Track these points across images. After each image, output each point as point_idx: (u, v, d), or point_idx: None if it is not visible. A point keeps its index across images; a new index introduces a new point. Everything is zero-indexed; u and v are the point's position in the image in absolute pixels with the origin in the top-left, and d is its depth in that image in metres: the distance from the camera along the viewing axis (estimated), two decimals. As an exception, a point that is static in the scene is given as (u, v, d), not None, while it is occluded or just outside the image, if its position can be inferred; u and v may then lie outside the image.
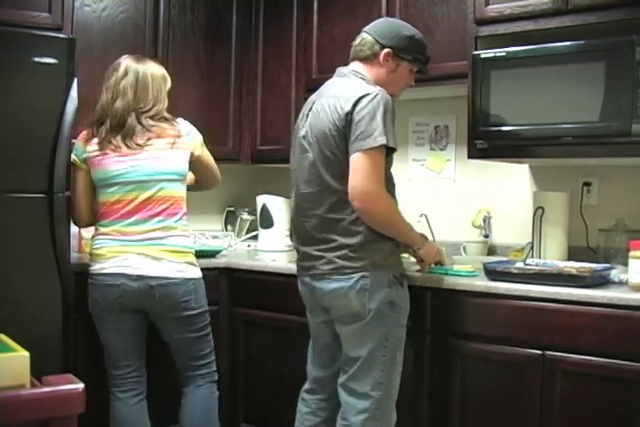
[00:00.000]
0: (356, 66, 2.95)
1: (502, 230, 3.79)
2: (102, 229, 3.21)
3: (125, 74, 3.21)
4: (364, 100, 2.72)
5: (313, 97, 2.98)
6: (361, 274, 2.77)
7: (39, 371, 1.81)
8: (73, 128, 3.24)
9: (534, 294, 2.80)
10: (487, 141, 3.23)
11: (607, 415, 2.64)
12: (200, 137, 3.34)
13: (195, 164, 3.32)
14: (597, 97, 2.89)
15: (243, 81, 4.39)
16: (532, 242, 3.37)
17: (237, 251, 4.30)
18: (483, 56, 3.19)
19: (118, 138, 3.16)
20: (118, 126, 3.16)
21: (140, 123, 3.17)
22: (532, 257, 3.29)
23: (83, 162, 3.24)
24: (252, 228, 4.54)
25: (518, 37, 3.16)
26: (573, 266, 2.93)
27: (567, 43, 2.97)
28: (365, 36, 2.94)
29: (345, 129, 2.74)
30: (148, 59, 3.35)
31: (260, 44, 4.35)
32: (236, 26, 4.36)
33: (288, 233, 4.32)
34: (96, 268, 3.19)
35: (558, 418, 2.74)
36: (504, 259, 3.41)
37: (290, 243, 4.26)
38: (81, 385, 1.74)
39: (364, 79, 2.88)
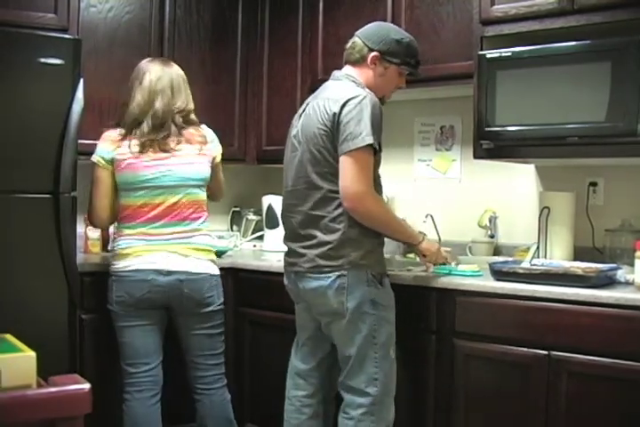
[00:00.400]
0: (348, 69, 3.02)
1: (508, 230, 3.79)
2: (127, 231, 3.25)
3: (159, 76, 3.27)
4: (352, 103, 2.79)
5: (309, 99, 3.05)
6: (338, 273, 2.83)
7: (45, 371, 1.82)
8: (79, 128, 3.25)
9: (540, 295, 2.80)
10: (493, 142, 3.23)
11: (613, 416, 2.64)
12: (219, 146, 3.44)
13: (213, 170, 3.39)
14: (603, 97, 2.89)
15: (248, 82, 4.39)
16: (538, 242, 3.37)
17: (243, 251, 4.30)
18: (488, 56, 3.18)
19: (156, 140, 3.22)
20: (159, 127, 3.22)
21: (175, 124, 3.25)
22: (538, 257, 3.29)
23: (108, 163, 3.25)
24: (258, 228, 4.54)
25: (524, 37, 3.16)
26: (579, 266, 2.93)
27: (573, 43, 2.97)
28: (356, 40, 3.01)
29: (332, 129, 2.82)
30: (170, 60, 3.44)
31: (266, 44, 4.35)
32: (242, 27, 4.36)
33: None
34: (121, 265, 3.22)
35: (564, 418, 2.74)
36: (510, 259, 3.40)
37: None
38: (87, 385, 1.75)
39: (355, 82, 2.94)
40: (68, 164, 3.22)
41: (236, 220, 4.74)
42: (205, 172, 3.32)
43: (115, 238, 3.32)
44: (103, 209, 3.30)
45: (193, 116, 3.34)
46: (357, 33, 3.03)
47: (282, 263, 3.54)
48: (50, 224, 3.22)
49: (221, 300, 3.32)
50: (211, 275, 3.27)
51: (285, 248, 3.07)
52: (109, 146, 3.26)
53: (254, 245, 4.44)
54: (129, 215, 3.25)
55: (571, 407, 2.72)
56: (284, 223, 3.08)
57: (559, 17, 3.03)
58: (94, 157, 3.26)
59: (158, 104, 3.23)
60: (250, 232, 4.59)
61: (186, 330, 3.30)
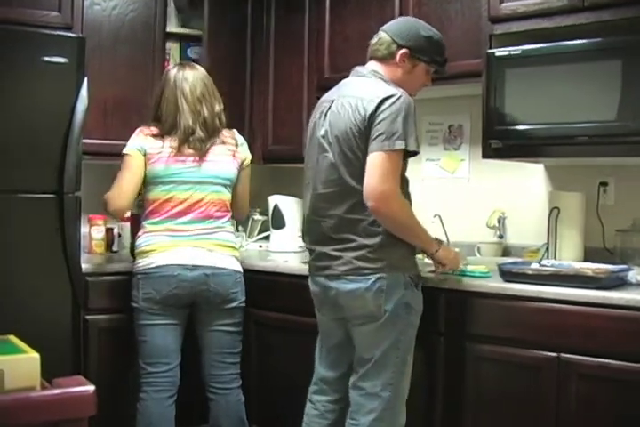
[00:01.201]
0: (373, 65, 2.95)
1: (517, 231, 3.78)
2: (151, 228, 3.30)
3: (195, 82, 3.33)
4: (388, 102, 2.73)
5: (330, 96, 2.98)
6: (378, 275, 2.78)
7: (49, 373, 1.82)
8: (83, 128, 3.26)
9: (549, 296, 2.79)
10: (502, 141, 3.22)
11: (625, 419, 2.63)
12: (249, 152, 3.51)
13: (239, 175, 3.44)
14: (614, 96, 2.88)
15: (254, 80, 4.39)
16: (548, 243, 3.36)
17: (249, 251, 4.30)
18: (497, 54, 3.18)
19: (193, 139, 3.28)
20: (211, 133, 3.31)
21: (212, 129, 3.33)
22: (548, 258, 3.28)
23: (141, 153, 3.30)
24: (264, 228, 4.53)
25: (533, 35, 3.15)
26: (589, 267, 2.92)
27: (583, 40, 2.96)
28: (383, 36, 2.93)
29: (366, 130, 2.75)
30: (190, 63, 3.51)
31: (272, 43, 4.34)
32: (250, 22, 4.35)
33: (300, 234, 4.34)
34: (147, 262, 3.26)
35: (574, 421, 2.73)
36: (519, 260, 3.39)
37: (302, 244, 4.27)
38: (92, 387, 1.75)
39: (383, 79, 2.88)
40: (72, 163, 3.23)
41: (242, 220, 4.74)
42: (231, 172, 3.38)
43: (139, 236, 3.34)
44: (126, 194, 3.31)
45: (223, 118, 3.41)
46: (384, 28, 2.96)
47: (288, 264, 3.56)
48: (54, 224, 3.23)
49: (244, 297, 3.39)
50: (235, 271, 3.34)
51: (308, 252, 3.03)
52: (143, 139, 3.31)
53: (260, 246, 4.44)
54: (154, 210, 3.30)
55: (581, 410, 2.71)
56: (309, 227, 3.01)
57: (569, 14, 3.03)
58: (127, 150, 3.30)
59: (206, 112, 3.31)
60: (256, 233, 4.58)
61: (206, 326, 3.36)
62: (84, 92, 3.27)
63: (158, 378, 3.28)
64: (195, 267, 3.24)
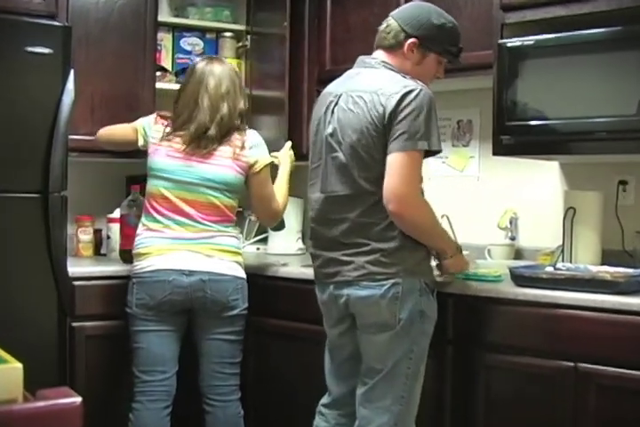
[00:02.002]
0: (381, 55, 2.88)
1: (530, 232, 3.77)
2: (150, 225, 3.31)
3: (222, 77, 3.34)
4: (408, 98, 2.67)
5: (335, 89, 2.90)
6: (393, 281, 2.74)
7: (33, 384, 1.80)
8: (69, 123, 3.24)
9: (565, 302, 2.78)
10: (514, 137, 3.22)
11: (645, 432, 2.62)
12: (264, 155, 3.41)
13: (249, 180, 3.39)
14: (634, 88, 2.87)
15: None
16: (563, 245, 3.35)
17: (246, 254, 4.27)
18: (509, 45, 3.17)
19: (204, 137, 3.29)
20: (225, 134, 3.31)
21: (232, 125, 3.34)
22: (563, 261, 3.27)
23: (143, 136, 3.41)
24: (262, 230, 4.52)
25: (548, 24, 3.13)
26: (607, 271, 2.91)
27: (602, 29, 2.95)
28: (391, 23, 2.86)
29: (385, 129, 2.69)
30: (219, 58, 3.56)
31: (271, 33, 4.34)
32: (245, 13, 4.35)
33: (300, 236, 4.33)
34: (142, 266, 3.27)
35: (592, 436, 2.72)
36: (532, 263, 3.39)
37: (301, 246, 4.27)
38: (79, 399, 1.72)
39: (394, 71, 2.82)
40: (58, 161, 3.22)
41: (238, 221, 4.71)
42: (228, 176, 3.32)
43: (138, 235, 3.35)
44: (112, 130, 3.55)
45: (244, 118, 3.42)
46: (393, 14, 2.89)
47: (288, 268, 3.54)
48: (38, 226, 3.23)
49: (246, 304, 3.37)
50: (236, 277, 3.32)
51: (313, 258, 2.98)
52: (152, 124, 3.40)
53: (257, 249, 4.43)
54: (149, 206, 3.33)
55: (599, 423, 2.70)
56: (315, 231, 2.95)
57: (587, 1, 3.01)
58: (135, 122, 3.47)
59: (225, 109, 3.31)
60: (253, 234, 4.57)
61: (205, 334, 3.34)
62: (70, 84, 3.26)
63: (154, 387, 3.28)
64: (191, 272, 3.23)
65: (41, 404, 1.70)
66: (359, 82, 2.83)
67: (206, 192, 3.29)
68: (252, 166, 3.35)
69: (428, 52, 2.86)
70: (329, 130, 2.84)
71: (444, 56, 2.90)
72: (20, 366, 1.74)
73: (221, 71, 3.35)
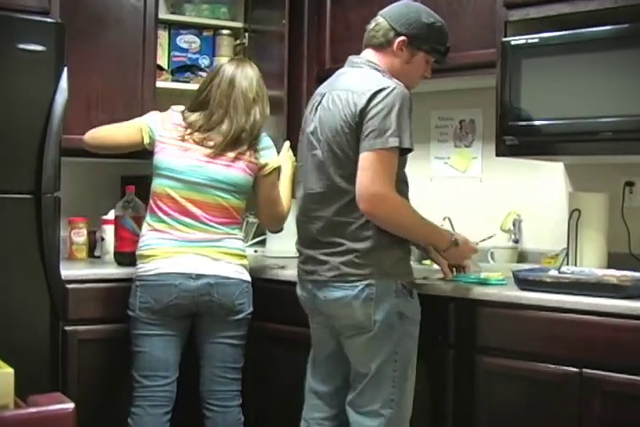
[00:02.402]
0: (369, 54, 2.94)
1: (534, 235, 3.77)
2: (155, 226, 3.30)
3: (252, 81, 3.37)
4: (380, 95, 2.72)
5: (323, 88, 2.98)
6: (367, 282, 2.78)
7: (24, 390, 1.79)
8: (63, 122, 3.23)
9: (570, 306, 2.77)
10: (517, 137, 3.21)
11: (651, 440, 2.61)
12: (275, 157, 3.44)
13: (258, 182, 3.40)
14: (641, 88, 2.87)
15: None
16: (568, 248, 3.34)
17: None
18: (513, 43, 3.17)
19: (238, 140, 3.31)
20: (251, 134, 3.32)
21: (260, 131, 3.38)
22: (568, 265, 3.26)
23: (149, 135, 3.39)
24: (260, 232, 4.52)
25: (553, 22, 3.14)
26: (614, 274, 2.90)
27: (608, 27, 2.94)
28: (380, 21, 2.92)
29: (358, 126, 2.74)
30: (249, 61, 3.52)
31: (268, 30, 4.34)
32: (243, 11, 4.34)
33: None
34: (147, 268, 3.26)
35: (597, 444, 2.71)
36: (536, 266, 3.38)
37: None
38: (71, 405, 1.72)
39: (378, 70, 2.86)
40: (51, 161, 3.21)
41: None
42: (238, 177, 3.33)
43: (142, 236, 3.35)
44: (105, 130, 3.47)
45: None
46: (382, 13, 2.94)
47: (287, 271, 3.53)
48: (30, 227, 3.21)
49: (251, 309, 3.38)
50: (242, 280, 3.33)
51: (298, 254, 3.04)
52: (161, 122, 3.38)
53: (255, 251, 4.42)
54: (154, 205, 3.32)
55: (605, 431, 2.70)
56: (299, 229, 3.03)
57: (593, -2, 3.02)
58: (141, 118, 3.45)
59: (258, 115, 3.34)
60: (251, 236, 4.56)
61: (209, 338, 3.35)
62: (63, 83, 3.25)
63: (155, 393, 3.27)
64: (198, 276, 3.23)
65: (33, 410, 1.69)
66: (342, 81, 2.89)
67: (215, 193, 3.29)
68: (261, 168, 3.37)
69: (417, 51, 2.90)
70: (310, 128, 2.92)
71: (433, 55, 2.94)
72: (11, 371, 1.73)
73: (252, 75, 3.37)
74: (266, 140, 3.42)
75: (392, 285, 2.80)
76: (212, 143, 3.28)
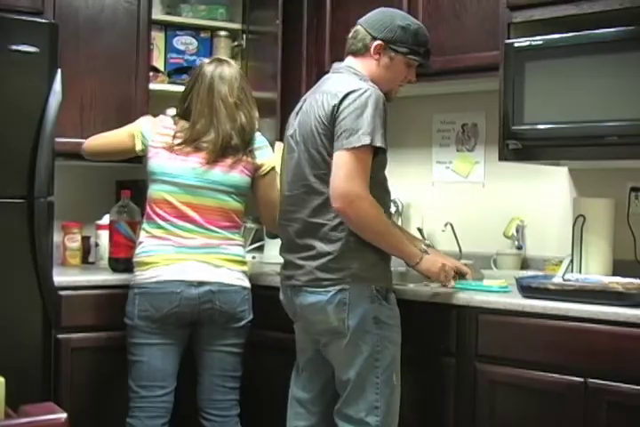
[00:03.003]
0: (349, 61, 3.03)
1: (538, 241, 3.77)
2: (153, 232, 3.29)
3: (232, 83, 3.34)
4: (352, 96, 2.79)
5: (307, 94, 3.06)
6: (339, 287, 2.82)
7: (16, 399, 1.79)
8: (56, 125, 3.23)
9: (574, 314, 2.77)
10: (521, 141, 3.21)
11: (658, 451, 2.61)
12: (271, 157, 3.43)
13: (255, 183, 3.41)
14: (648, 91, 2.87)
15: (247, 73, 4.37)
16: (572, 255, 3.34)
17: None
18: (517, 45, 3.17)
19: (229, 147, 3.30)
20: (241, 139, 3.31)
21: (252, 133, 3.37)
22: (572, 272, 3.26)
23: (142, 141, 3.36)
24: (258, 237, 4.52)
25: (557, 23, 3.14)
26: (619, 282, 2.90)
27: (614, 29, 2.94)
28: (358, 28, 3.02)
29: (331, 127, 2.81)
30: (228, 60, 3.46)
31: (267, 31, 4.33)
32: (241, 10, 4.34)
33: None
34: (146, 276, 3.24)
35: (603, 455, 2.71)
36: (540, 273, 3.38)
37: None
38: (63, 415, 1.72)
39: (357, 75, 2.94)
40: (44, 165, 3.21)
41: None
42: (237, 179, 3.33)
43: (140, 242, 3.33)
44: (101, 139, 3.48)
45: (256, 124, 3.42)
46: (360, 21, 3.03)
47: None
48: (23, 232, 3.21)
49: (251, 316, 3.37)
50: (243, 287, 3.33)
51: (282, 260, 3.08)
52: (152, 128, 3.37)
53: (253, 257, 4.41)
54: (151, 212, 3.30)
55: (610, 442, 2.69)
56: (280, 232, 3.09)
57: (598, 0, 3.01)
58: (131, 126, 3.42)
59: (243, 118, 3.32)
60: (248, 242, 4.56)
61: (209, 346, 3.34)
62: (57, 85, 3.24)
63: (153, 403, 3.25)
64: (200, 283, 3.22)
65: (24, 420, 1.68)
66: (323, 86, 2.97)
67: (214, 196, 3.29)
68: (258, 169, 3.38)
69: (395, 55, 2.96)
70: (290, 131, 3.02)
71: (411, 57, 2.98)
72: (1, 380, 1.72)
73: (231, 75, 3.35)
74: (259, 140, 3.41)
75: (365, 290, 2.83)
76: (205, 148, 3.28)
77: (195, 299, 3.21)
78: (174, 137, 3.30)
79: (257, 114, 3.40)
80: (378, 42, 2.93)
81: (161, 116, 3.42)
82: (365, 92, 2.79)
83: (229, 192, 3.31)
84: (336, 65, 3.05)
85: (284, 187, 3.02)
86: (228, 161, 3.30)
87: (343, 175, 2.74)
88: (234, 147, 3.29)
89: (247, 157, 3.34)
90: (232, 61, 3.47)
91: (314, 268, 2.86)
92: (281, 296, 3.08)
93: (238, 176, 3.32)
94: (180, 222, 3.26)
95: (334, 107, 2.80)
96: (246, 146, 3.32)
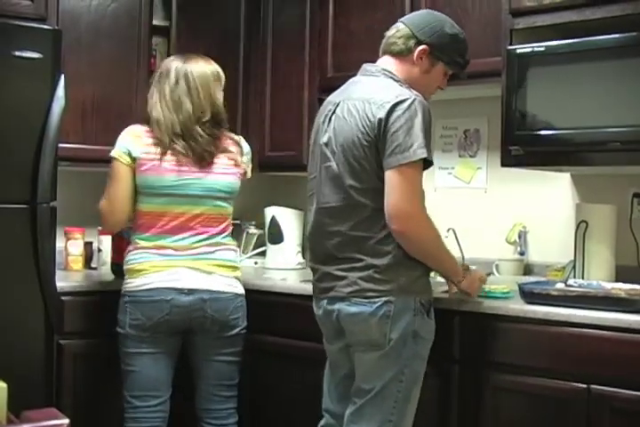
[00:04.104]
0: (386, 62, 2.90)
1: (540, 247, 3.76)
2: (142, 244, 3.22)
3: (177, 80, 3.21)
4: (401, 108, 2.67)
5: (336, 97, 2.93)
6: (385, 299, 2.73)
7: (18, 405, 1.78)
8: (59, 131, 3.23)
9: (577, 320, 2.76)
10: (523, 147, 3.20)
11: (661, 458, 2.60)
12: (250, 165, 3.43)
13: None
14: (650, 97, 2.87)
15: (250, 80, 4.37)
16: (575, 260, 3.34)
17: (243, 269, 4.25)
18: (519, 51, 3.17)
19: (184, 146, 3.19)
20: (187, 138, 3.19)
21: (206, 134, 3.22)
22: (575, 277, 3.26)
23: (132, 160, 3.18)
24: (260, 243, 4.52)
25: (559, 30, 3.14)
26: (622, 288, 2.89)
27: (616, 35, 2.94)
28: (401, 28, 2.87)
29: (377, 138, 2.70)
30: (196, 56, 3.32)
31: (270, 38, 4.33)
32: (244, 17, 4.34)
33: (299, 249, 4.31)
34: (137, 284, 3.17)
35: (606, 461, 2.70)
36: (542, 279, 3.37)
37: (301, 260, 4.26)
38: (66, 421, 1.71)
39: (394, 79, 2.83)
40: (47, 170, 3.21)
41: (235, 234, 4.68)
42: (234, 183, 3.30)
43: (129, 251, 3.28)
44: (121, 208, 3.23)
45: (224, 124, 3.32)
46: (404, 19, 2.91)
47: (286, 283, 3.53)
48: (26, 238, 3.21)
49: (245, 323, 3.31)
50: (236, 294, 3.26)
51: (312, 272, 2.98)
52: (133, 141, 3.20)
53: (255, 263, 4.42)
54: (145, 224, 3.22)
55: (613, 448, 2.68)
56: (313, 244, 2.96)
57: (600, 6, 3.01)
58: (114, 152, 3.19)
59: (181, 117, 3.19)
60: (251, 248, 4.56)
61: (204, 355, 3.28)
62: (60, 91, 3.24)
63: (147, 413, 3.20)
64: (191, 291, 3.16)
65: (26, 426, 1.68)
66: (356, 90, 2.84)
67: (216, 203, 3.24)
68: (245, 173, 3.37)
69: (437, 62, 2.87)
70: (324, 139, 2.86)
71: (451, 67, 2.91)
72: (4, 386, 1.72)
73: (184, 72, 3.21)
74: (246, 146, 3.39)
75: (411, 302, 2.76)
76: (180, 152, 3.18)
77: (185, 307, 3.16)
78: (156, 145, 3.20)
79: (222, 109, 3.30)
80: (424, 46, 2.82)
81: (133, 126, 3.28)
82: (413, 102, 2.67)
83: (226, 198, 3.27)
84: (368, 67, 2.91)
85: (319, 198, 2.89)
86: (219, 165, 3.24)
87: (400, 195, 2.65)
88: (201, 146, 3.18)
89: (242, 162, 3.32)
90: (198, 56, 3.32)
91: (358, 278, 2.76)
92: (315, 310, 2.97)
93: (234, 181, 3.29)
94: (173, 235, 3.19)
95: (381, 119, 2.67)
96: (216, 146, 3.23)
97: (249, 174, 3.40)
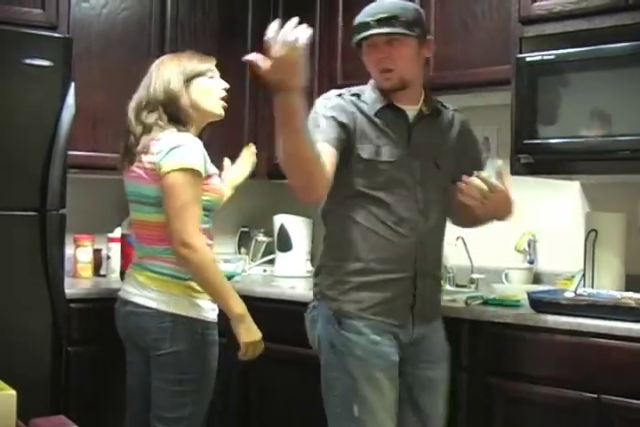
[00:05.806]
0: None
1: (550, 256, 3.76)
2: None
3: (157, 78, 3.05)
4: None
5: None
6: (313, 304, 2.80)
7: (26, 412, 1.78)
8: (69, 138, 3.24)
9: (587, 329, 2.76)
10: (533, 156, 3.20)
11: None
12: (173, 160, 2.82)
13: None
14: (660, 105, 2.87)
15: (259, 87, 4.38)
16: (584, 269, 3.33)
17: (252, 276, 4.27)
18: (528, 59, 3.17)
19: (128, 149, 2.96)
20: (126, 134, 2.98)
21: (139, 131, 2.95)
22: (584, 286, 3.25)
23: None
24: (269, 251, 4.52)
25: (569, 38, 3.13)
26: (632, 297, 2.89)
27: (626, 44, 2.94)
28: None
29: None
30: (187, 52, 3.18)
31: (279, 45, 4.33)
32: (252, 25, 4.35)
33: (308, 257, 4.32)
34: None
35: (616, 472, 2.69)
36: (552, 288, 3.37)
37: (310, 268, 4.26)
38: (74, 429, 1.71)
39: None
40: (57, 177, 3.22)
41: (244, 241, 4.72)
42: (145, 186, 2.89)
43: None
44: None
45: (160, 122, 2.94)
46: None
47: (295, 291, 3.56)
48: (35, 245, 3.22)
49: (176, 348, 2.85)
50: (163, 312, 2.85)
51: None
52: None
53: (264, 270, 4.42)
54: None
55: (622, 459, 2.67)
56: None
57: (611, 14, 3.01)
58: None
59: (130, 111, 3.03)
60: (259, 255, 4.57)
61: (150, 375, 2.97)
62: (70, 99, 3.26)
63: (131, 421, 3.07)
64: (125, 302, 2.94)
65: (34, 434, 1.68)
66: None
67: (140, 209, 2.95)
68: (159, 171, 2.87)
69: (358, 49, 2.90)
70: None
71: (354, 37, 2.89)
72: (13, 393, 1.72)
73: (166, 68, 3.05)
74: (164, 141, 2.88)
75: (325, 309, 2.72)
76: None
77: (121, 319, 2.98)
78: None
79: (146, 102, 3.02)
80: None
81: None
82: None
83: (151, 204, 2.89)
84: None
85: None
86: (134, 165, 2.92)
87: None
88: (134, 147, 2.92)
89: (149, 162, 2.88)
90: (181, 54, 3.16)
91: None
92: None
93: (144, 183, 2.90)
94: (134, 240, 3.04)
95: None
96: (127, 138, 2.96)
97: (165, 170, 2.82)
